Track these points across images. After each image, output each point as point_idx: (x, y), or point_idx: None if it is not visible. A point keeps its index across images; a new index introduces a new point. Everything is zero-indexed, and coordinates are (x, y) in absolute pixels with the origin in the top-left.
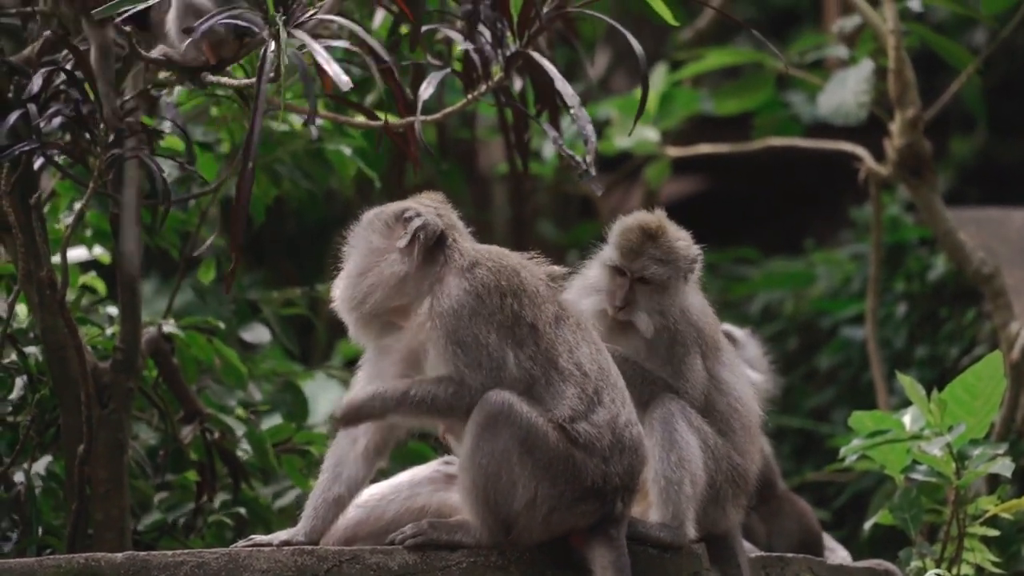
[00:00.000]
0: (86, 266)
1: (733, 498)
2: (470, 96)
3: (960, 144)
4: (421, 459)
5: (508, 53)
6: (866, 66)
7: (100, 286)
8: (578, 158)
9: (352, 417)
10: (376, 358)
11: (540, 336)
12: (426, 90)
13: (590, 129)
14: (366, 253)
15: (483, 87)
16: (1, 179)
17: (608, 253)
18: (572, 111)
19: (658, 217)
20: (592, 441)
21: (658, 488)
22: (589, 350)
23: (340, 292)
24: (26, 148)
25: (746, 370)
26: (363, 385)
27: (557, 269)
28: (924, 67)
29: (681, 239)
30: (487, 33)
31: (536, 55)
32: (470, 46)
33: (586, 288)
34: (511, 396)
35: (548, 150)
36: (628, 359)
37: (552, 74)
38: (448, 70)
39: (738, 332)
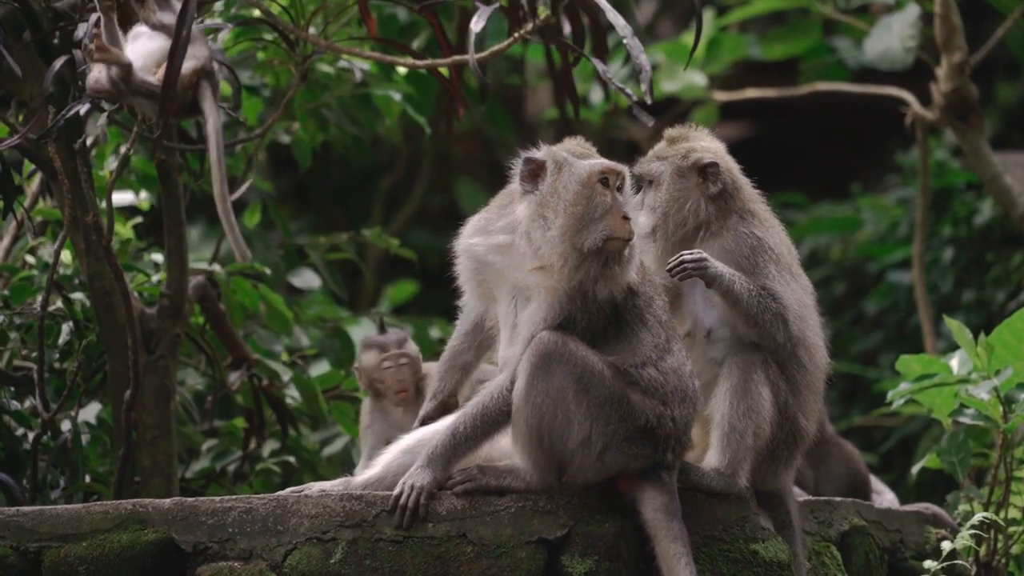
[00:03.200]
0: (131, 213)
1: (786, 459)
2: (516, 34)
3: (1006, 89)
4: None
5: None
6: (912, 11)
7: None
8: (628, 90)
9: None
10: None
11: (637, 296)
12: (477, 23)
13: (644, 58)
14: None
15: (529, 25)
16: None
17: None
18: (625, 40)
19: (684, 128)
20: (656, 385)
21: (721, 432)
22: (661, 302)
23: None
24: (77, 107)
25: None
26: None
27: None
28: (970, 12)
29: (699, 142)
30: None
31: None
32: None
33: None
34: (564, 335)
35: (596, 95)
36: (736, 272)
37: (602, 5)
38: (496, 5)
39: None
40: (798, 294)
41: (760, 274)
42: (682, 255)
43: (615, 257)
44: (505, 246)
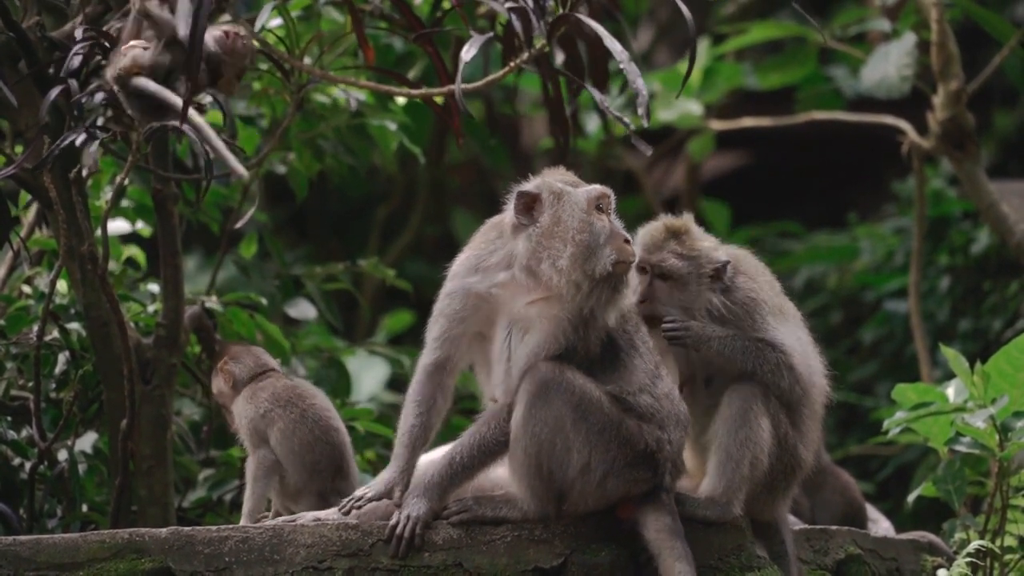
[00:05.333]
0: (128, 240)
1: (784, 490)
2: (512, 63)
3: (1003, 117)
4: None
5: (551, 19)
6: (909, 39)
7: (141, 258)
8: (626, 119)
9: None
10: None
11: (627, 322)
12: (468, 52)
13: (640, 83)
14: None
15: (525, 54)
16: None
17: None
18: (622, 66)
19: (685, 220)
20: (652, 411)
21: (717, 460)
22: (645, 329)
23: None
24: (72, 136)
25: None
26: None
27: None
28: (967, 40)
29: (707, 241)
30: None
31: (583, 16)
32: (511, 5)
33: None
34: (561, 364)
35: (592, 125)
36: (727, 331)
37: (600, 32)
38: (490, 35)
39: None
40: (797, 334)
41: (759, 328)
42: (663, 326)
43: (623, 280)
44: (505, 282)
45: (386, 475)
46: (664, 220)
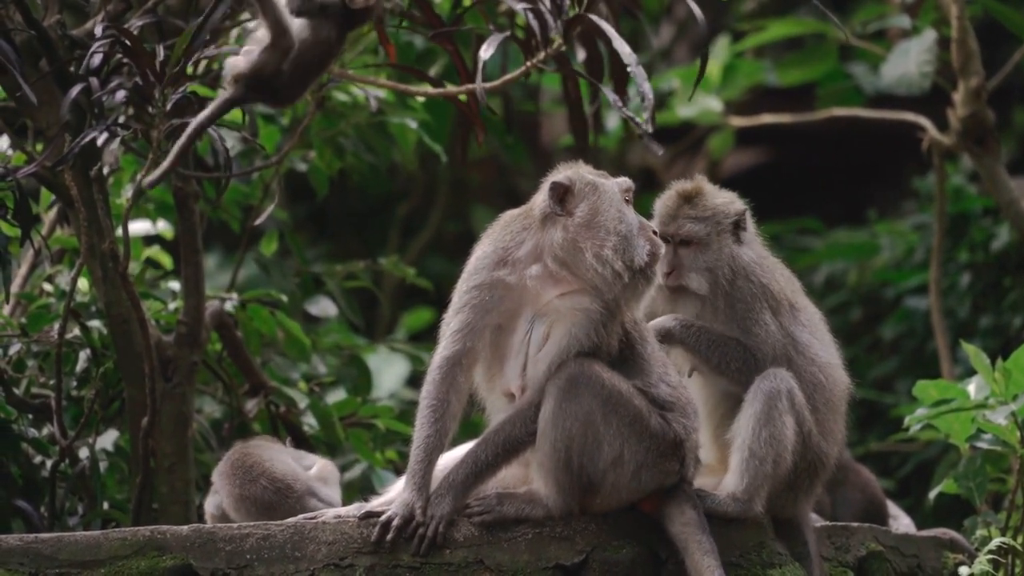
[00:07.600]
0: (150, 241)
1: (807, 488)
2: (529, 63)
3: (1023, 114)
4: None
5: (567, 18)
6: (929, 36)
7: (166, 260)
8: (639, 120)
9: None
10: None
11: (633, 317)
12: (487, 51)
13: (647, 87)
14: None
15: (542, 54)
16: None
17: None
18: (630, 69)
19: (696, 181)
20: (673, 399)
21: (740, 457)
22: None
23: None
24: (93, 134)
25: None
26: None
27: None
28: (987, 37)
29: (720, 197)
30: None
31: (595, 17)
32: (528, 5)
33: None
34: (588, 359)
35: (611, 122)
36: (694, 324)
37: (610, 33)
38: (507, 33)
39: None
40: (790, 331)
41: (753, 320)
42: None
43: (655, 271)
44: (538, 274)
45: (406, 495)
46: (677, 187)
